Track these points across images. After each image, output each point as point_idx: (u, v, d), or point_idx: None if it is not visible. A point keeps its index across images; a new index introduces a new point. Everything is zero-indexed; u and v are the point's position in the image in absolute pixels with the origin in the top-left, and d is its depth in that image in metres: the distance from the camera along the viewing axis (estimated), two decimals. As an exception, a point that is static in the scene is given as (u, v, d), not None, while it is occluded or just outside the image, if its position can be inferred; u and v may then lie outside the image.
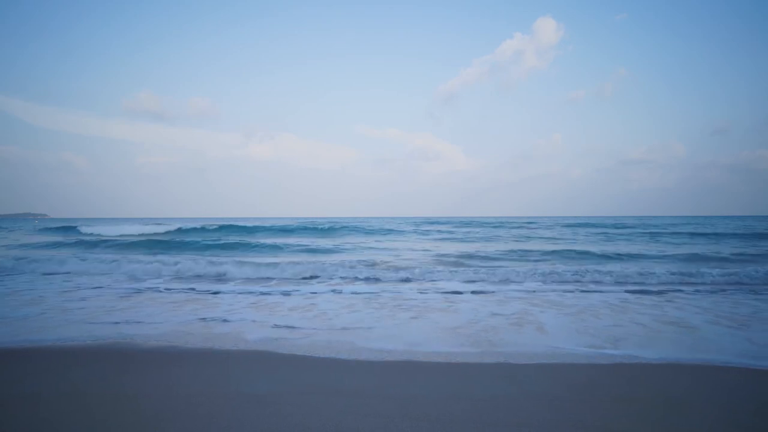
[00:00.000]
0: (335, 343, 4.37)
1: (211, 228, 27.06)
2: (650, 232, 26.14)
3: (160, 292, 7.60)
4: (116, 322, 5.20)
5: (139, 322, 5.23)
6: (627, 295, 7.31)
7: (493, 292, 7.59)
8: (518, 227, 33.64)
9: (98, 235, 24.16)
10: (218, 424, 2.51)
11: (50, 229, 30.06)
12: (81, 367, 3.57)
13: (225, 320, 5.40)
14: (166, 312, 5.88)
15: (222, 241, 18.88)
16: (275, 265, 10.36)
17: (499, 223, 41.19)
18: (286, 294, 7.45)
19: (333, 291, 7.73)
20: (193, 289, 7.91)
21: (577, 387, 3.14)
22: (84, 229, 26.58)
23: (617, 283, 8.66)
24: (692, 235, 24.13)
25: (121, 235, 23.36)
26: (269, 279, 9.25)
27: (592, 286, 8.22)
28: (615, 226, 33.42)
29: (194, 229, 26.44)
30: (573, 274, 9.27)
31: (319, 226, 30.93)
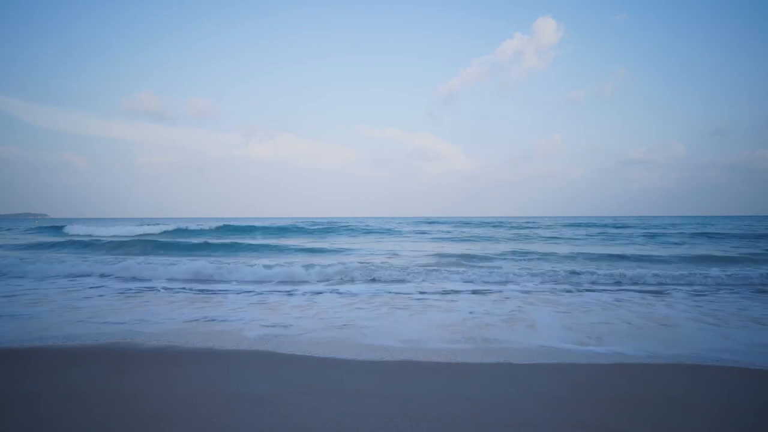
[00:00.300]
0: (335, 342, 4.37)
1: (209, 228, 27.04)
2: (650, 232, 26.16)
3: (159, 292, 7.60)
4: (120, 323, 5.20)
5: (142, 321, 5.24)
6: (623, 294, 7.32)
7: (492, 291, 7.59)
8: (518, 227, 33.64)
9: (95, 235, 24.14)
10: (218, 424, 2.51)
11: (47, 228, 29.95)
12: (81, 367, 3.57)
13: (224, 320, 5.40)
14: (166, 312, 5.88)
15: (220, 241, 18.85)
16: (274, 265, 10.36)
17: (499, 223, 41.18)
18: (286, 293, 7.45)
19: (332, 291, 7.73)
20: (191, 289, 7.91)
21: (577, 387, 3.15)
22: (80, 230, 26.49)
23: (615, 282, 8.66)
24: (692, 234, 24.14)
25: (116, 235, 23.34)
26: (268, 279, 9.25)
27: (590, 286, 8.23)
28: (615, 226, 33.44)
29: (193, 229, 26.42)
30: (571, 274, 9.27)
31: (319, 226, 30.94)
